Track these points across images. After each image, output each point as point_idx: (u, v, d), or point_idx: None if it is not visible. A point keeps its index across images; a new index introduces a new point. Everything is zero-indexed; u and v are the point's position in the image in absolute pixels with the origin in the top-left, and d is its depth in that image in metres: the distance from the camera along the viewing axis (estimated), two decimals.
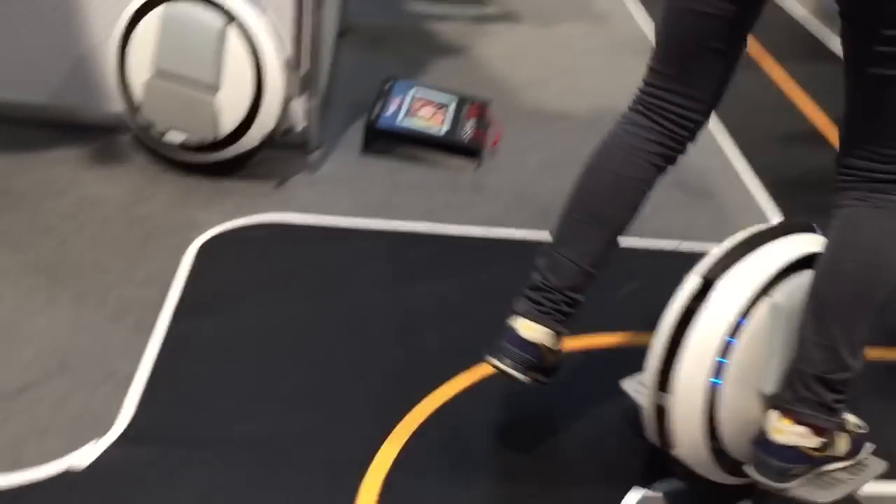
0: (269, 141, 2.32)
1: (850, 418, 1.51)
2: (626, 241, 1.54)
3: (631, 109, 1.51)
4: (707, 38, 1.40)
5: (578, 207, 1.50)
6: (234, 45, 2.20)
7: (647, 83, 1.50)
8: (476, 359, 1.62)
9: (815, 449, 1.37)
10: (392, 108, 2.68)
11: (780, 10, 4.16)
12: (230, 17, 2.19)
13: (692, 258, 1.49)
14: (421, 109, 2.72)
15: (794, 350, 1.38)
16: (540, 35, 3.66)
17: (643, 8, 4.04)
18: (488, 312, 1.57)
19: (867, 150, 1.35)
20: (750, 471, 1.40)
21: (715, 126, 2.96)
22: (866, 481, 1.50)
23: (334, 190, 2.42)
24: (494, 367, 1.49)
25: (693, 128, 1.48)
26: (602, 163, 1.51)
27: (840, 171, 1.39)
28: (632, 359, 1.58)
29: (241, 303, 1.95)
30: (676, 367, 1.40)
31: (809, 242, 1.46)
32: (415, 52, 3.33)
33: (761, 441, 1.38)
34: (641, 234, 1.81)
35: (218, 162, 2.33)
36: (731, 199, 2.61)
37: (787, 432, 1.36)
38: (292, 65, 2.30)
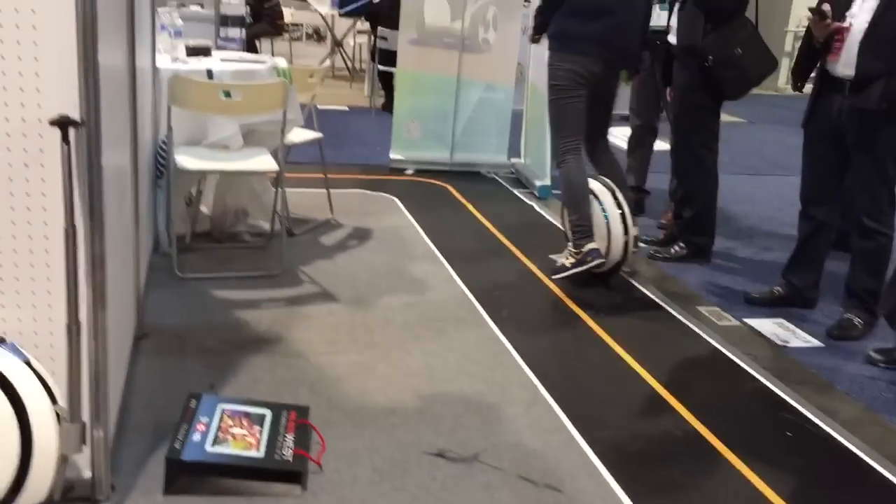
0: None
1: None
2: None
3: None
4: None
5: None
6: None
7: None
8: None
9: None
10: (198, 434, 2.35)
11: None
12: None
13: None
14: (232, 429, 2.41)
15: None
16: (358, 314, 3.48)
17: (456, 269, 4.03)
18: None
19: None
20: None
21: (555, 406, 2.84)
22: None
23: None
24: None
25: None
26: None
27: None
28: None
29: None
30: None
31: None
32: (224, 351, 3.04)
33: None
34: None
35: None
36: (579, 486, 2.42)
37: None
38: (69, 416, 1.96)
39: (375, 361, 3.07)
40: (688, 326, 3.62)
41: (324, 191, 4.69)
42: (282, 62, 4.30)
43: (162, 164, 3.80)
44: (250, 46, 8.19)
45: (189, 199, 4.19)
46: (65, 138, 1.88)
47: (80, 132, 1.91)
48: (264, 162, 3.82)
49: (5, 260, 1.96)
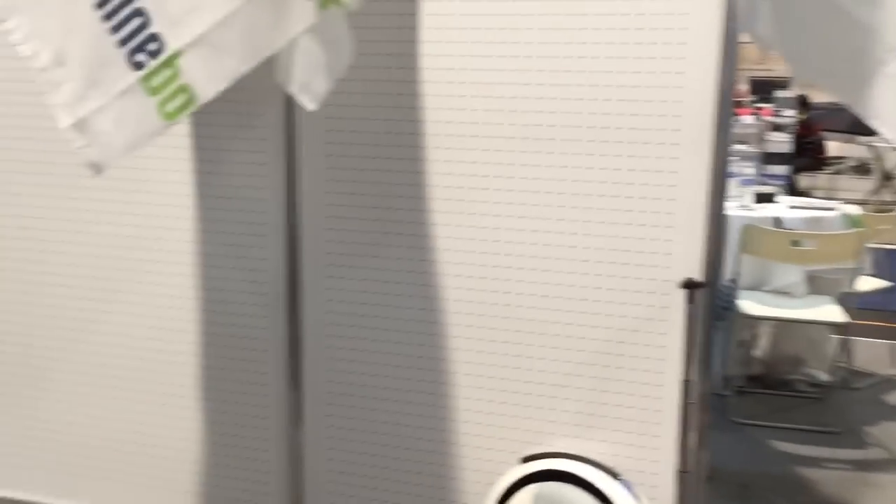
0: None
1: None
2: None
3: None
4: None
5: None
6: None
7: None
8: None
9: None
10: None
11: None
12: None
13: None
14: None
15: None
16: None
17: None
18: None
19: None
20: None
21: None
22: None
23: None
24: None
25: None
26: None
27: None
28: None
29: None
30: None
31: None
32: None
33: None
34: None
35: None
36: None
37: None
38: None
39: None
40: None
41: (890, 342, 4.36)
42: (852, 209, 4.16)
43: (723, 306, 3.91)
44: (791, 181, 8.09)
45: (744, 341, 4.23)
46: (690, 299, 2.06)
47: (701, 291, 2.08)
48: (830, 312, 3.71)
49: (624, 401, 2.18)
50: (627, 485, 2.10)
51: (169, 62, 1.63)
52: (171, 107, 1.65)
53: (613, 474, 2.11)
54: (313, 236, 2.36)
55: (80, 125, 1.63)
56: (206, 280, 2.45)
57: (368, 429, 2.39)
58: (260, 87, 2.03)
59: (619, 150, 2.10)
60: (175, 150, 2.38)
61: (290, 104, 2.31)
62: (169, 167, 2.39)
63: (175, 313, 2.49)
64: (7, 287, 2.64)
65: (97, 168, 1.65)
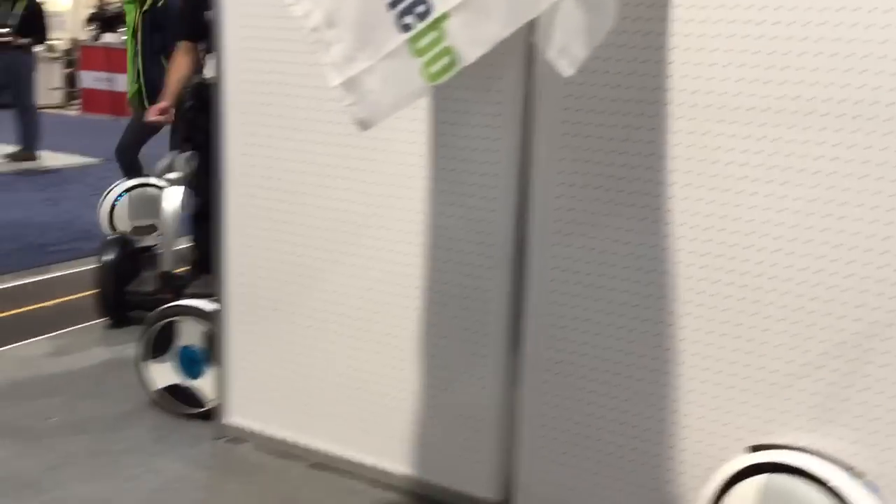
0: None
1: None
2: None
3: None
4: None
5: None
6: None
7: None
8: None
9: None
10: None
11: None
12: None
13: None
14: None
15: None
16: None
17: None
18: None
19: None
20: None
21: None
22: None
23: None
24: None
25: None
26: None
27: None
28: None
29: None
30: None
31: None
32: None
33: None
34: None
35: None
36: None
37: None
38: None
39: None
40: None
41: None
42: None
43: None
44: None
45: None
46: None
47: None
48: None
49: (871, 397, 2.02)
50: (873, 487, 1.97)
51: (435, 24, 1.65)
52: (434, 68, 1.67)
53: (856, 474, 1.98)
54: (544, 201, 2.35)
55: (349, 84, 1.69)
56: (435, 238, 2.51)
57: (585, 399, 2.38)
58: (499, 50, 2.03)
59: (875, 126, 1.94)
60: (413, 110, 2.43)
61: (528, 68, 2.30)
62: (406, 127, 2.45)
63: (402, 268, 2.57)
64: (263, 226, 2.80)
65: (364, 125, 1.71)
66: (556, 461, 2.44)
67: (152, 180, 4.78)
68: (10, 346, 3.76)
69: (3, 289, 4.56)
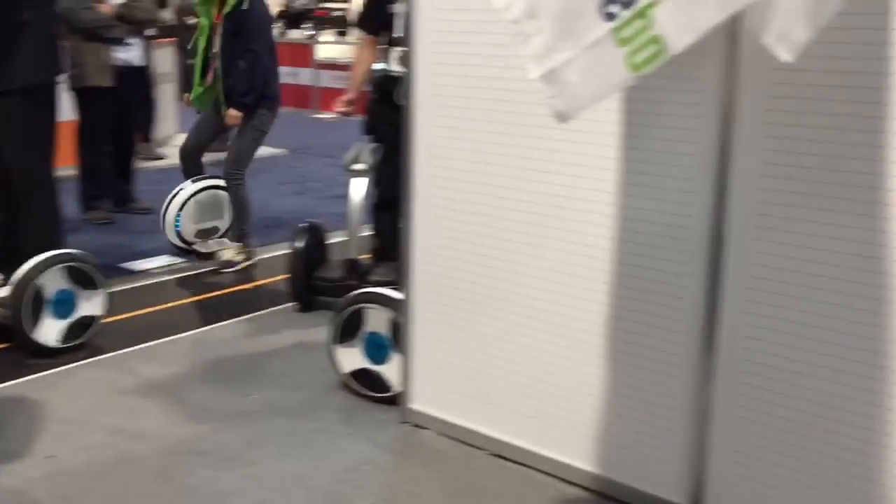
0: None
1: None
2: None
3: None
4: None
5: None
6: None
7: None
8: None
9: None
10: None
11: None
12: None
13: None
14: None
15: None
16: None
17: None
18: None
19: None
20: None
21: None
22: None
23: None
24: None
25: None
26: None
27: None
28: None
29: None
30: None
31: None
32: None
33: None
34: None
35: None
36: None
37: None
38: None
39: None
40: None
41: None
42: None
43: None
44: None
45: None
46: None
47: None
48: None
49: None
50: None
51: (642, 13, 1.60)
52: (639, 58, 1.62)
53: None
54: (744, 194, 2.23)
55: (549, 76, 1.67)
56: (628, 232, 2.45)
57: (786, 404, 2.24)
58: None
59: None
60: (607, 101, 2.36)
61: (730, 54, 2.19)
62: (601, 118, 2.39)
63: (594, 263, 2.52)
64: (451, 217, 2.84)
65: (563, 117, 1.69)
66: (752, 466, 2.32)
67: (217, 182, 4.95)
68: (213, 326, 4.03)
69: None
